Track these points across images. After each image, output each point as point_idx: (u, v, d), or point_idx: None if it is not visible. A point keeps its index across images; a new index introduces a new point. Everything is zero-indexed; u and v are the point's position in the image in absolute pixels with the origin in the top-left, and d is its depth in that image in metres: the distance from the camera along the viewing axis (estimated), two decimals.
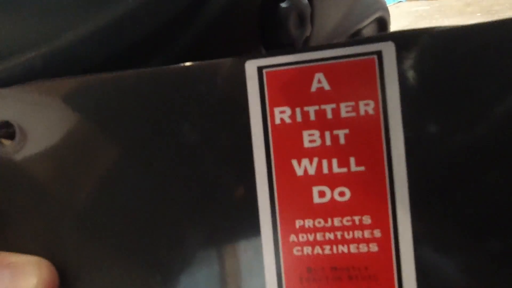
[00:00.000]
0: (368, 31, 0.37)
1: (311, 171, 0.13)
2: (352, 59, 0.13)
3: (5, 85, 0.15)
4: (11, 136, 0.15)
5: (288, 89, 0.13)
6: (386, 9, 0.38)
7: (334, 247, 0.13)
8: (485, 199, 0.12)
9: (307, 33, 0.27)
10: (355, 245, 0.13)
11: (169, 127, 0.14)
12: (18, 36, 0.16)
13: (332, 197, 0.13)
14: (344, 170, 0.13)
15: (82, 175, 0.15)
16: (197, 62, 0.14)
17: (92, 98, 0.14)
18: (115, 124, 0.14)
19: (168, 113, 0.14)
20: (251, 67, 0.13)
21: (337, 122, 0.13)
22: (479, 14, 2.86)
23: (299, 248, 0.13)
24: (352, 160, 0.13)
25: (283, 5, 0.24)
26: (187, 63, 0.14)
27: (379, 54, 0.13)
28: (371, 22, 0.36)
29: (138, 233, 0.14)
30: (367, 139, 0.13)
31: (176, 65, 0.14)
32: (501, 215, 0.12)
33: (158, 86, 0.14)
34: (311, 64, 0.13)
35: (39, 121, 0.15)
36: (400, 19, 3.41)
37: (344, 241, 0.13)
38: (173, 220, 0.14)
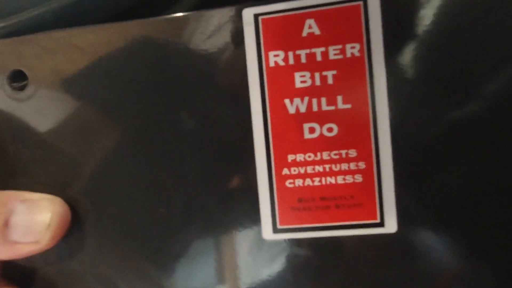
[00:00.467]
0: None
1: (302, 109, 0.14)
2: (340, 5, 0.14)
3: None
4: (22, 83, 0.16)
5: (282, 34, 0.14)
6: None
7: (323, 179, 0.14)
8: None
9: None
10: (342, 176, 0.14)
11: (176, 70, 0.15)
12: None
13: (321, 133, 0.14)
14: (332, 108, 0.14)
15: (87, 138, 0.16)
16: (195, 12, 0.15)
17: (97, 48, 0.15)
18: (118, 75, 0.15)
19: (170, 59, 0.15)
20: (248, 14, 0.14)
21: (326, 63, 0.14)
22: None
23: (291, 180, 0.14)
24: (339, 98, 0.14)
25: None
26: (186, 13, 0.15)
27: (364, 0, 0.14)
28: None
29: (136, 215, 0.15)
30: (353, 79, 0.14)
31: (175, 15, 0.15)
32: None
33: (158, 34, 0.15)
34: (303, 11, 0.14)
35: (49, 71, 0.16)
36: None
37: (332, 173, 0.14)
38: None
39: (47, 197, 0.15)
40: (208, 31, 0.15)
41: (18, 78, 0.16)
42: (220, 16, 0.15)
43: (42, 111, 0.16)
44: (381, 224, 0.14)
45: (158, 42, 0.15)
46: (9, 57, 0.16)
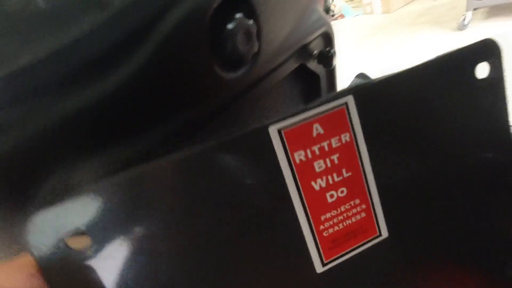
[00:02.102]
0: (315, 44, 0.44)
1: (323, 184, 0.21)
2: (333, 110, 0.20)
3: None
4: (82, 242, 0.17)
5: (300, 138, 0.20)
6: (329, 25, 0.45)
7: (344, 223, 0.22)
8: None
9: (255, 49, 0.33)
10: (355, 216, 0.22)
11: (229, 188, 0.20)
12: None
13: (338, 196, 0.21)
14: (341, 177, 0.21)
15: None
16: (227, 138, 0.19)
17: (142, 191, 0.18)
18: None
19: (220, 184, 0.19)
20: (273, 130, 0.20)
21: (331, 150, 0.21)
22: (428, 24, 3.16)
23: (326, 231, 0.21)
24: (343, 170, 0.21)
25: (230, 26, 0.29)
26: (217, 141, 0.19)
27: (346, 104, 0.20)
28: (317, 37, 0.43)
29: None
30: (349, 156, 0.21)
31: (207, 145, 0.19)
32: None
33: (196, 169, 0.19)
34: (310, 120, 0.20)
35: (104, 226, 0.17)
36: (359, 30, 3.54)
37: (348, 217, 0.22)
38: None
39: None
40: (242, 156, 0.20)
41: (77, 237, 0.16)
42: (247, 138, 0.20)
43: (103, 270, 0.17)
44: (380, 235, 0.23)
45: (210, 170, 0.19)
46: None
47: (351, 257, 0.22)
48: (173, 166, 0.19)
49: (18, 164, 0.21)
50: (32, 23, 0.23)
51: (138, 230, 0.18)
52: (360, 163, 0.21)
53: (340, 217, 0.22)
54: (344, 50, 3.26)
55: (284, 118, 0.20)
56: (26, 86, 0.21)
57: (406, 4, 4.05)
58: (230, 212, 0.20)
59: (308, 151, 0.20)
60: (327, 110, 0.20)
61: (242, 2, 0.30)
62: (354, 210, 0.22)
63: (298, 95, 0.50)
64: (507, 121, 0.24)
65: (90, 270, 0.17)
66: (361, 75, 0.89)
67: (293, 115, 0.20)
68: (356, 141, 0.21)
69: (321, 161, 0.21)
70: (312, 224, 0.21)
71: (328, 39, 0.46)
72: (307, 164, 0.20)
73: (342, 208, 0.22)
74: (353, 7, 4.57)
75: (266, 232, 0.21)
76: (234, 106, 0.35)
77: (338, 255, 0.22)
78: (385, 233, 0.23)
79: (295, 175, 0.20)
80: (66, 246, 0.16)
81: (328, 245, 0.22)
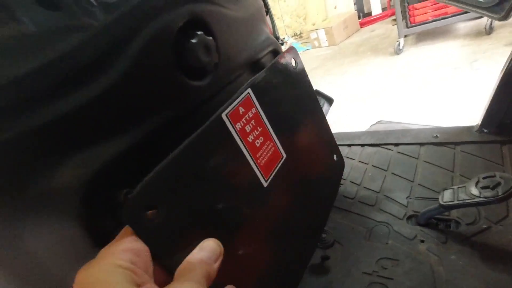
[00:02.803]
0: (266, 60, 0.52)
1: (252, 138, 0.36)
2: (245, 97, 0.36)
3: None
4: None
5: (236, 116, 0.32)
6: (277, 44, 0.55)
7: (267, 155, 0.39)
8: None
9: (215, 59, 0.39)
10: (270, 150, 0.38)
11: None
12: None
13: (260, 142, 0.37)
14: (258, 132, 0.38)
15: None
16: (207, 122, 0.28)
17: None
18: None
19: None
20: (224, 115, 0.29)
21: (250, 119, 0.37)
22: (369, 52, 3.58)
23: (261, 161, 0.33)
24: (258, 128, 0.38)
25: (193, 41, 0.35)
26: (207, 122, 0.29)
27: (249, 93, 0.38)
28: (267, 53, 0.51)
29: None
30: (257, 120, 0.39)
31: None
32: None
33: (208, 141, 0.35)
34: (237, 105, 0.34)
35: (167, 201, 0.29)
36: (311, 62, 3.89)
37: (267, 152, 0.40)
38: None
39: None
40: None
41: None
42: (215, 119, 0.35)
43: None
44: (283, 157, 0.43)
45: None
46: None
47: (276, 172, 0.40)
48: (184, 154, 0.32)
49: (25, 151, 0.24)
50: (21, 44, 0.27)
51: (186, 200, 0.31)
52: (263, 122, 0.39)
53: (264, 153, 0.38)
54: None
55: (226, 107, 0.34)
56: (22, 92, 0.25)
57: (348, 37, 4.52)
58: (218, 164, 0.34)
59: (241, 122, 0.36)
60: (243, 98, 0.37)
61: (202, 23, 0.37)
62: (269, 147, 0.39)
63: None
64: (312, 88, 0.57)
65: (161, 231, 0.29)
66: (315, 92, 0.99)
67: (230, 104, 0.35)
68: (258, 111, 0.39)
69: (248, 125, 0.37)
70: (254, 160, 0.37)
71: (277, 54, 0.54)
72: (242, 129, 0.36)
73: (264, 148, 0.38)
74: (302, 42, 5.01)
75: (234, 168, 0.36)
76: (201, 111, 0.40)
77: (271, 173, 0.39)
78: (284, 155, 0.42)
79: (238, 135, 0.35)
80: (146, 217, 0.27)
81: (264, 169, 0.38)
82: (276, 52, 0.54)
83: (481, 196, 0.58)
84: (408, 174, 0.85)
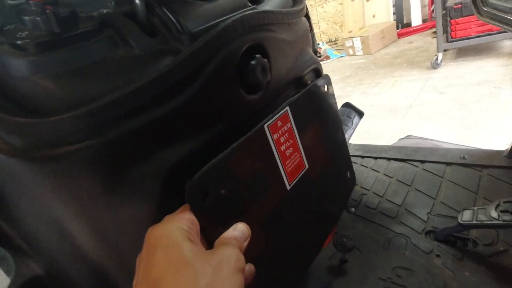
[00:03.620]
0: (308, 77, 0.59)
1: (284, 147, 0.47)
2: (283, 113, 0.50)
3: None
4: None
5: (274, 128, 0.44)
6: (318, 63, 0.62)
7: (293, 164, 0.51)
8: None
9: (268, 78, 0.47)
10: (295, 160, 0.49)
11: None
12: None
13: (289, 152, 0.48)
14: (289, 143, 0.50)
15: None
16: (252, 131, 0.37)
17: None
18: None
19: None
20: (265, 126, 0.37)
21: (284, 132, 0.48)
22: (405, 64, 3.56)
23: (288, 168, 0.44)
24: (290, 140, 0.49)
25: (252, 62, 0.43)
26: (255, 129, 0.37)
27: (287, 110, 0.51)
28: (309, 71, 0.58)
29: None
30: (290, 134, 0.49)
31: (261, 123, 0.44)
32: None
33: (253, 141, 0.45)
34: (276, 119, 0.48)
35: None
36: (344, 70, 3.95)
37: (294, 161, 0.51)
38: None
39: None
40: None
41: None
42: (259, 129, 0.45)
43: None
44: (306, 167, 0.55)
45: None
46: None
47: (299, 179, 0.50)
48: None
49: (125, 148, 0.33)
50: (131, 64, 0.36)
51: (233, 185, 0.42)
52: (295, 136, 0.48)
53: (291, 161, 0.48)
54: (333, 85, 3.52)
55: (269, 119, 0.45)
56: (130, 104, 0.33)
57: (384, 47, 4.46)
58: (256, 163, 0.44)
59: (278, 133, 0.47)
60: (282, 113, 0.48)
61: (260, 47, 0.44)
62: (296, 157, 0.49)
63: None
64: (337, 111, 0.72)
65: (208, 210, 0.38)
66: (347, 104, 1.04)
67: (272, 117, 0.45)
68: (292, 126, 0.49)
69: (283, 137, 0.47)
70: (283, 166, 0.46)
71: (318, 72, 0.61)
72: (278, 139, 0.46)
73: (292, 157, 0.48)
74: (336, 49, 4.99)
75: (267, 170, 0.46)
76: (256, 120, 0.48)
77: (294, 179, 0.49)
78: (307, 166, 0.54)
79: (274, 144, 0.46)
80: (199, 199, 0.36)
81: (289, 175, 0.48)
82: (317, 70, 0.61)
83: (500, 219, 0.61)
84: (431, 192, 0.88)
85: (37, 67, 0.30)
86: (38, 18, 0.30)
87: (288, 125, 0.49)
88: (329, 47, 5.22)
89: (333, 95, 0.66)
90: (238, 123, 0.45)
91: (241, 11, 0.44)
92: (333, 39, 5.57)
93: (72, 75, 0.32)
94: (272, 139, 0.46)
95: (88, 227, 0.36)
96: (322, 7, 5.39)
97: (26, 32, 0.31)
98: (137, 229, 0.37)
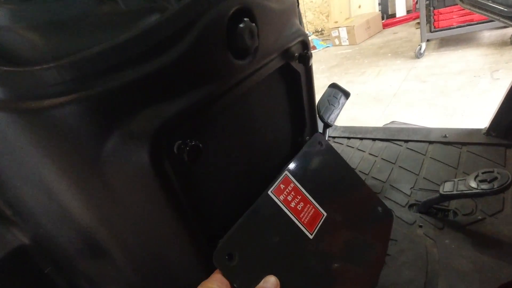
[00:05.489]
0: (296, 48, 0.58)
1: (294, 204, 0.49)
2: (285, 177, 0.54)
3: None
4: None
5: (279, 191, 0.52)
6: (306, 35, 0.60)
7: (308, 215, 0.52)
8: None
9: (256, 43, 0.47)
10: (310, 211, 0.50)
11: None
12: None
13: (301, 206, 0.50)
14: (298, 199, 0.52)
15: None
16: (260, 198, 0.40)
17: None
18: None
19: None
20: (270, 192, 0.48)
21: (290, 191, 0.52)
22: (389, 54, 3.58)
23: (304, 220, 0.44)
24: (298, 196, 0.48)
25: (241, 25, 0.43)
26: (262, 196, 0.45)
27: (286, 174, 0.55)
28: (297, 43, 0.58)
29: None
30: (296, 191, 0.53)
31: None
32: None
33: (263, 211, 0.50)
34: (278, 184, 0.52)
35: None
36: (330, 60, 3.91)
37: (308, 212, 0.52)
38: None
39: None
40: None
41: None
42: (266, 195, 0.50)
43: None
44: (324, 215, 0.51)
45: None
46: None
47: (320, 227, 0.51)
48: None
49: (117, 98, 0.33)
50: (116, 20, 0.35)
51: None
52: (301, 191, 0.52)
53: (306, 214, 0.51)
54: (319, 74, 3.56)
55: (271, 186, 0.49)
56: (117, 57, 0.33)
57: (369, 38, 4.50)
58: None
59: (283, 194, 0.50)
60: (282, 177, 0.52)
61: (248, 11, 0.44)
62: (309, 209, 0.51)
63: (284, 91, 0.64)
64: (339, 155, 0.71)
65: (236, 270, 0.44)
66: (333, 85, 1.05)
67: (273, 184, 0.49)
68: (296, 185, 0.53)
69: (289, 196, 0.50)
70: (298, 219, 0.49)
71: (305, 44, 0.61)
72: (285, 198, 0.49)
73: (305, 210, 0.51)
74: (322, 39, 5.01)
75: (284, 227, 0.49)
76: (240, 88, 0.48)
77: (315, 227, 0.51)
78: (325, 214, 0.53)
79: (283, 204, 0.49)
80: (226, 261, 0.43)
81: (308, 226, 0.50)
82: (304, 43, 0.61)
83: (478, 188, 0.64)
84: (414, 168, 0.91)
85: (20, 16, 0.29)
86: None
87: (292, 185, 0.53)
88: (316, 37, 5.23)
89: (329, 145, 0.68)
90: (225, 87, 0.44)
91: None
92: (320, 30, 5.58)
93: (56, 27, 0.31)
94: (280, 200, 0.50)
95: (76, 187, 0.36)
96: None
97: None
98: (126, 189, 0.37)
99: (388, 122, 1.52)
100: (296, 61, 0.59)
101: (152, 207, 0.39)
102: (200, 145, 0.38)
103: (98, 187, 0.36)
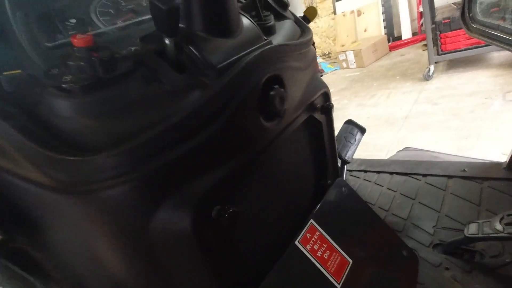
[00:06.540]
0: (318, 101, 0.62)
1: (320, 253, 0.50)
2: (310, 225, 0.57)
3: None
4: None
5: (306, 240, 0.54)
6: (326, 87, 0.65)
7: (335, 263, 0.54)
8: None
9: (285, 106, 0.50)
10: (336, 260, 0.52)
11: None
12: None
13: (327, 254, 0.51)
14: (324, 248, 0.52)
15: None
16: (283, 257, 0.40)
17: None
18: None
19: None
20: (297, 242, 0.54)
21: (316, 240, 0.53)
22: (398, 76, 3.65)
23: (331, 269, 0.46)
24: (324, 244, 0.50)
25: (272, 93, 0.46)
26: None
27: (311, 222, 0.58)
28: (319, 96, 0.61)
29: None
30: (322, 239, 0.55)
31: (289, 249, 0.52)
32: None
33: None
34: (305, 233, 0.55)
35: None
36: (339, 83, 4.05)
37: (335, 261, 0.53)
38: None
39: None
40: None
41: None
42: (293, 246, 0.54)
43: None
44: (349, 262, 0.54)
45: None
46: None
47: (347, 274, 0.53)
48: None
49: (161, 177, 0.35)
50: (162, 100, 0.38)
51: None
52: (327, 240, 0.53)
53: (332, 262, 0.52)
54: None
55: (298, 236, 0.52)
56: (167, 139, 0.36)
57: (376, 60, 4.57)
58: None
59: (310, 243, 0.52)
60: (308, 226, 0.54)
61: (277, 78, 0.47)
62: (335, 257, 0.53)
63: (307, 140, 0.67)
64: (363, 201, 0.78)
65: None
66: (349, 121, 1.08)
67: (300, 233, 0.52)
68: (321, 233, 0.55)
69: (315, 245, 0.52)
70: (325, 268, 0.51)
71: (326, 96, 0.64)
72: (312, 247, 0.52)
73: (331, 258, 0.52)
74: (330, 62, 5.10)
75: (312, 277, 0.51)
76: (271, 148, 0.51)
77: (341, 277, 0.52)
78: (350, 261, 0.54)
79: (310, 254, 0.51)
80: None
81: (335, 274, 0.52)
82: (325, 94, 0.64)
83: (505, 232, 0.63)
84: (435, 205, 0.90)
85: (82, 107, 0.33)
86: (82, 63, 0.33)
87: (317, 233, 0.55)
88: (323, 60, 5.34)
89: (351, 190, 0.70)
90: (257, 150, 0.47)
91: (259, 45, 0.47)
92: (327, 53, 5.70)
93: (113, 114, 0.34)
94: (307, 250, 0.53)
95: (123, 256, 0.38)
96: (315, 22, 5.53)
97: (71, 76, 0.34)
98: (168, 255, 0.39)
99: (401, 147, 1.52)
100: (318, 112, 0.62)
101: (190, 269, 0.41)
102: (238, 210, 0.40)
103: (144, 255, 0.38)
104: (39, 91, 0.33)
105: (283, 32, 0.56)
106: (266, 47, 0.45)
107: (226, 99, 0.39)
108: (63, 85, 0.33)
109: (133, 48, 0.43)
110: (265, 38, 0.50)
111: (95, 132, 0.33)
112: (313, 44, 0.65)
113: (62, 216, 0.35)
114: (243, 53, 0.44)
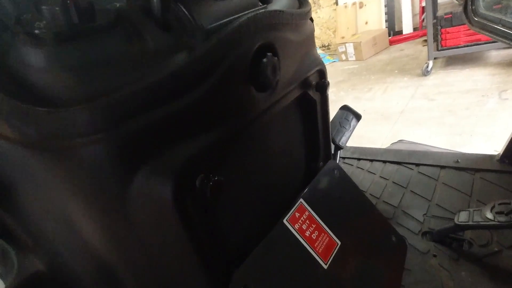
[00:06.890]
0: (313, 78, 0.59)
1: (309, 233, 0.48)
2: (300, 204, 0.55)
3: None
4: None
5: (294, 219, 0.53)
6: (323, 64, 0.62)
7: (323, 244, 0.52)
8: None
9: (278, 77, 0.47)
10: (324, 240, 0.50)
11: None
12: None
13: (315, 235, 0.49)
14: (312, 228, 0.49)
15: None
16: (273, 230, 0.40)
17: None
18: None
19: None
20: (285, 220, 0.51)
21: (305, 219, 0.52)
22: (396, 71, 3.60)
23: (319, 249, 0.44)
24: (312, 224, 0.47)
25: (264, 60, 0.43)
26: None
27: (301, 202, 0.56)
28: (314, 72, 0.59)
29: None
30: (311, 219, 0.52)
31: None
32: None
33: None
34: (294, 212, 0.53)
35: None
36: (337, 75, 3.98)
37: (323, 241, 0.51)
38: None
39: None
40: None
41: None
42: (281, 223, 0.52)
43: None
44: (338, 244, 0.54)
45: None
46: None
47: (334, 256, 0.51)
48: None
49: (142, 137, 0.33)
50: (145, 59, 0.36)
51: None
52: (316, 220, 0.51)
53: (320, 243, 0.50)
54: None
55: (286, 214, 0.50)
56: (147, 98, 0.33)
57: (376, 54, 4.54)
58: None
59: (298, 223, 0.50)
60: (297, 206, 0.52)
61: (271, 46, 0.45)
62: (324, 238, 0.51)
63: (299, 118, 0.65)
64: (355, 184, 0.74)
65: None
66: (345, 107, 1.06)
67: (288, 212, 0.50)
68: (311, 213, 0.52)
69: (304, 224, 0.50)
70: (313, 248, 0.49)
71: (322, 73, 0.62)
72: (300, 227, 0.50)
73: (319, 239, 0.50)
74: (329, 54, 5.05)
75: (299, 256, 0.49)
76: (261, 119, 0.48)
77: (328, 258, 0.50)
78: (339, 242, 0.52)
79: (298, 233, 0.49)
80: None
81: (322, 254, 0.50)
82: (321, 72, 0.62)
83: (495, 220, 0.63)
84: (426, 194, 0.90)
85: (55, 58, 0.30)
86: (57, 8, 0.30)
87: (307, 213, 0.54)
88: (322, 51, 5.29)
89: (344, 173, 0.69)
90: (247, 120, 0.45)
91: (253, 9, 0.44)
92: (326, 44, 5.64)
93: (89, 67, 0.32)
94: (295, 229, 0.51)
95: (99, 222, 0.36)
96: (316, 12, 5.45)
97: (44, 22, 0.31)
98: (147, 223, 0.37)
99: (395, 140, 1.52)
100: (313, 89, 0.60)
101: (171, 240, 0.39)
102: (222, 179, 0.38)
103: (120, 222, 0.36)
104: (9, 37, 0.30)
105: (280, 2, 0.53)
106: (260, 11, 0.42)
107: (214, 61, 0.37)
108: (35, 32, 0.30)
109: (117, 4, 0.40)
110: (260, 4, 0.47)
111: (68, 85, 0.31)
112: (311, 19, 0.62)
113: (32, 175, 0.33)
114: (235, 16, 0.42)
